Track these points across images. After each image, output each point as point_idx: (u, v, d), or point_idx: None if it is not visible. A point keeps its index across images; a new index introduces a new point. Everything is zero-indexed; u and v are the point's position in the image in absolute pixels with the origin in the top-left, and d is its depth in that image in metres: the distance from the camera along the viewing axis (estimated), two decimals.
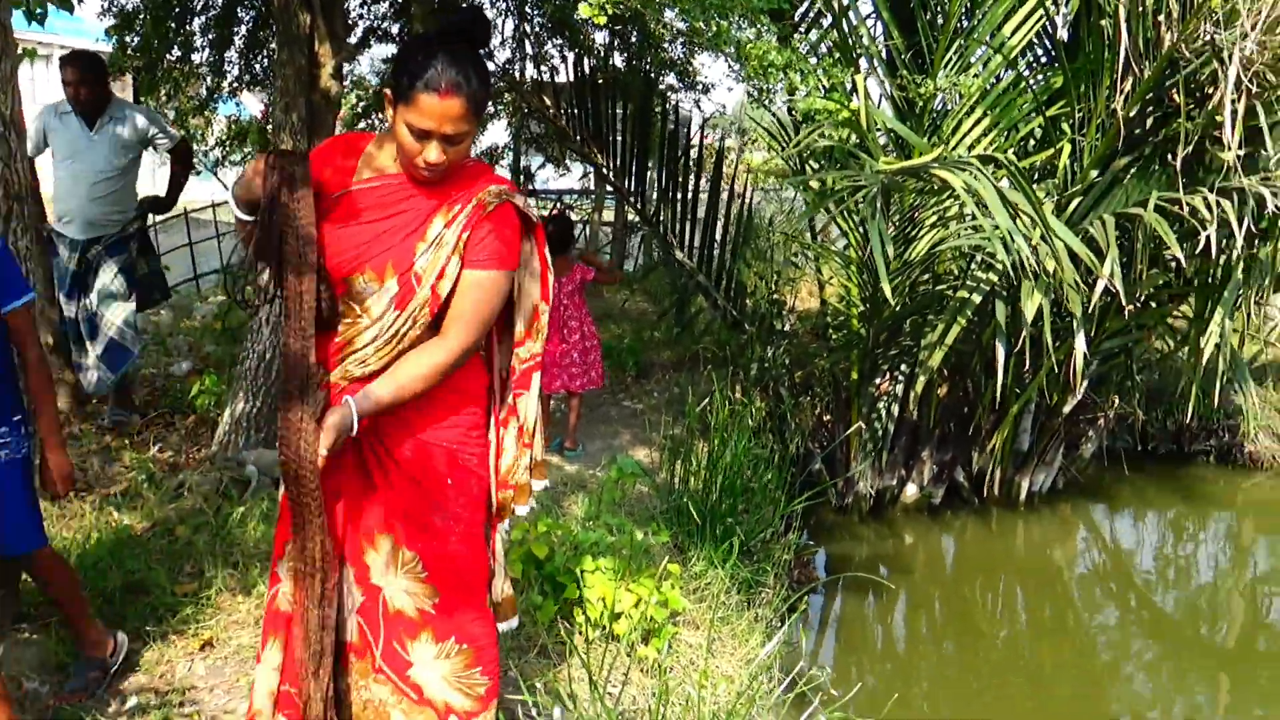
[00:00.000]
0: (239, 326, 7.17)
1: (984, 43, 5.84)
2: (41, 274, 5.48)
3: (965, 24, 5.84)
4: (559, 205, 16.40)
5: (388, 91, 2.24)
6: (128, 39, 7.37)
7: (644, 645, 3.70)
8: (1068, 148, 5.93)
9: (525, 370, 2.46)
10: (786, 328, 7.79)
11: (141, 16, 7.32)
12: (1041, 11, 5.85)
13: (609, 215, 15.29)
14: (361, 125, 10.35)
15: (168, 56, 7.88)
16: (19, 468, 2.99)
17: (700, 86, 11.65)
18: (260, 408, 5.23)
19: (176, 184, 5.70)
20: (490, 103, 12.18)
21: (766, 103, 6.34)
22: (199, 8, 7.89)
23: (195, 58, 8.25)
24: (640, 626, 3.72)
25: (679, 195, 7.61)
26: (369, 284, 2.28)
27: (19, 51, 4.94)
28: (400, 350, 2.29)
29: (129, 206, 5.45)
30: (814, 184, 6.51)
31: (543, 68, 10.54)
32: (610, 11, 3.47)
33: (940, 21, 5.64)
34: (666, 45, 9.99)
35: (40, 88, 28.04)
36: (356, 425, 2.22)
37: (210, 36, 8.13)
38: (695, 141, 8.28)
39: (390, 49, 11.87)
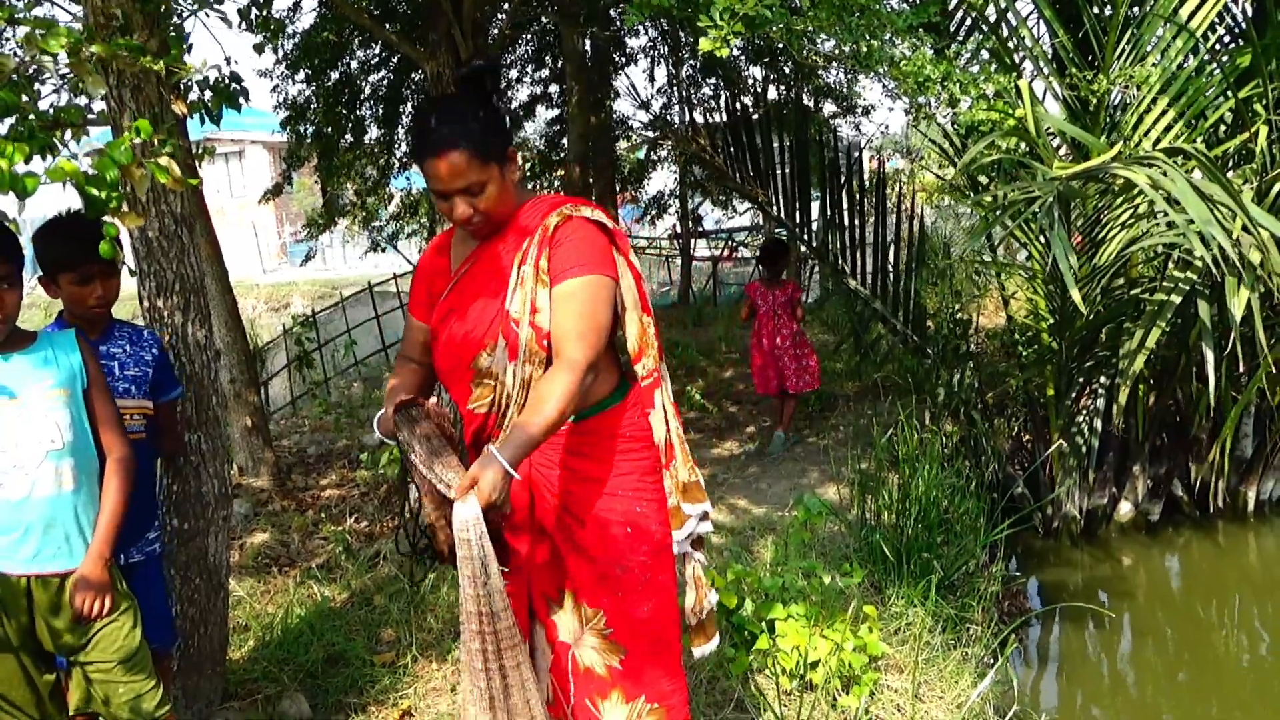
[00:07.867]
0: None
1: (1158, 31, 5.49)
2: (238, 358, 5.78)
3: (1136, 11, 5.51)
4: (729, 244, 16.44)
5: None
6: (302, 129, 7.80)
7: (845, 694, 3.54)
8: (1264, 130, 5.50)
9: (646, 389, 2.36)
10: (972, 348, 7.48)
11: (314, 106, 7.74)
12: None
13: None
14: (530, 187, 10.66)
15: (342, 141, 8.30)
16: (160, 564, 3.01)
17: (860, 109, 11.54)
18: None
19: None
20: (653, 150, 12.37)
21: (928, 119, 6.14)
22: (366, 92, 8.29)
23: (366, 139, 8.67)
24: (839, 674, 3.56)
25: (847, 222, 7.45)
26: (493, 354, 2.26)
27: (200, 150, 5.24)
28: None
29: None
30: (987, 198, 6.24)
31: (696, 111, 10.59)
32: (733, 42, 3.38)
33: (1109, 12, 5.33)
34: (820, 72, 9.91)
35: (235, 180, 30.09)
36: (513, 469, 2.04)
37: (378, 116, 8.53)
38: (858, 166, 8.09)
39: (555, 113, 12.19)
